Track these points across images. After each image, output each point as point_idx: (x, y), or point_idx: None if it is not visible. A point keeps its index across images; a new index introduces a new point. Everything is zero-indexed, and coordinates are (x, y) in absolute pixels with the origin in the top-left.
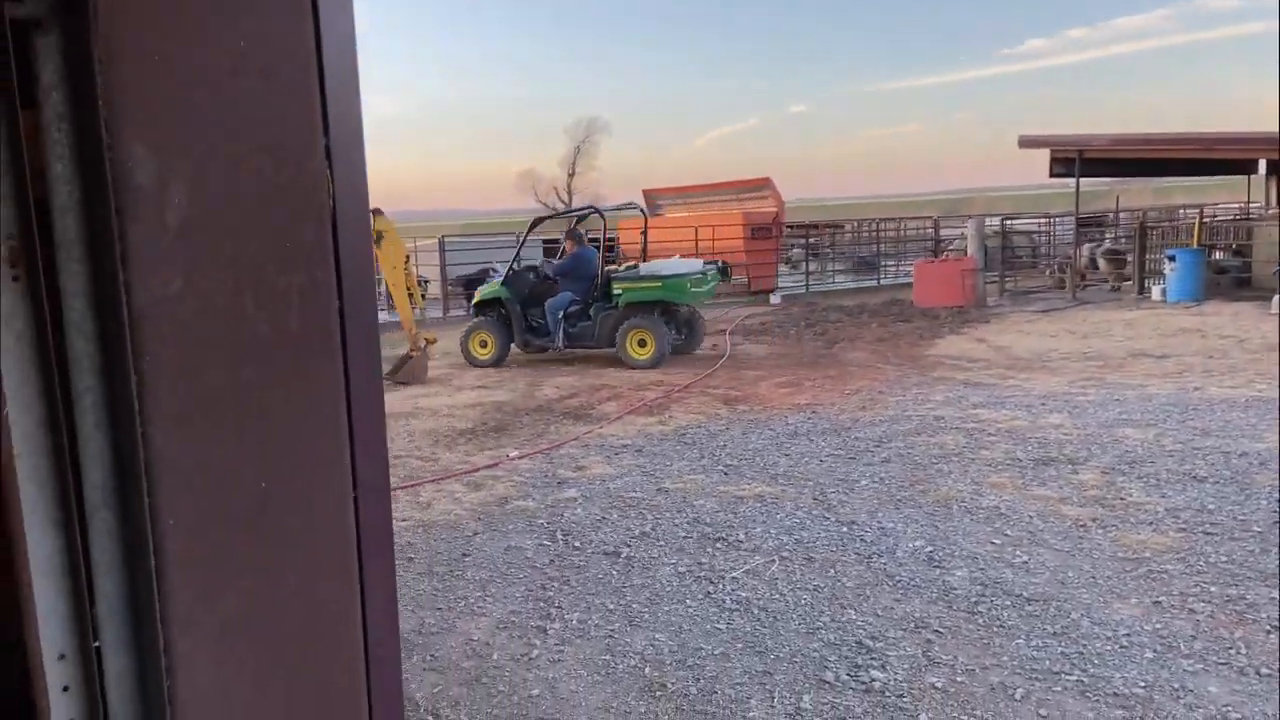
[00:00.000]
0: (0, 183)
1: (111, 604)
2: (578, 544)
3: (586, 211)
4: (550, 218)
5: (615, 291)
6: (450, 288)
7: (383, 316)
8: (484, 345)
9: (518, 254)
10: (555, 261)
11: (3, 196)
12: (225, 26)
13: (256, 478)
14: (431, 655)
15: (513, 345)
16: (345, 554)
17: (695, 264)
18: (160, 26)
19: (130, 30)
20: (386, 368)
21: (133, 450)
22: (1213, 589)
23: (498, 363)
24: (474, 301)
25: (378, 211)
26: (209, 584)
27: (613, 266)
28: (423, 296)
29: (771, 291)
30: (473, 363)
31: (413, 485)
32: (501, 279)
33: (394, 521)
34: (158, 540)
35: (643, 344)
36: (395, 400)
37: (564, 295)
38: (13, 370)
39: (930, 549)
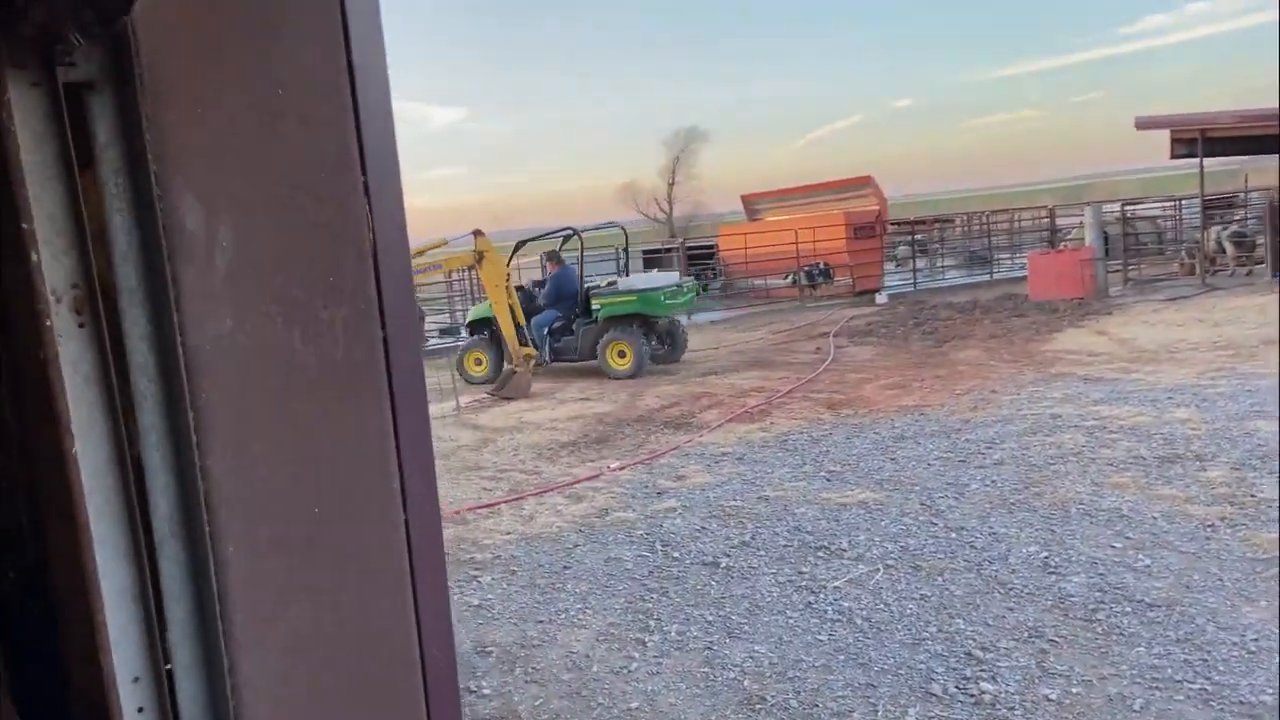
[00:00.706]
0: (64, 237)
1: (183, 628)
2: (676, 555)
3: (566, 233)
4: (535, 239)
5: (595, 307)
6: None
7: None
8: (479, 363)
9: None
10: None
11: (67, 249)
12: (262, 75)
13: (310, 503)
14: (533, 668)
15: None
16: (398, 573)
17: (672, 277)
18: (201, 79)
19: (173, 85)
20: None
21: (194, 482)
22: None
23: (490, 380)
24: (467, 321)
25: (478, 233)
26: (269, 607)
27: (608, 282)
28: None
29: (877, 291)
30: (468, 381)
31: (516, 499)
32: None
33: (498, 535)
34: (219, 566)
35: (622, 355)
36: (499, 415)
37: (549, 313)
38: (81, 410)
39: (1045, 554)
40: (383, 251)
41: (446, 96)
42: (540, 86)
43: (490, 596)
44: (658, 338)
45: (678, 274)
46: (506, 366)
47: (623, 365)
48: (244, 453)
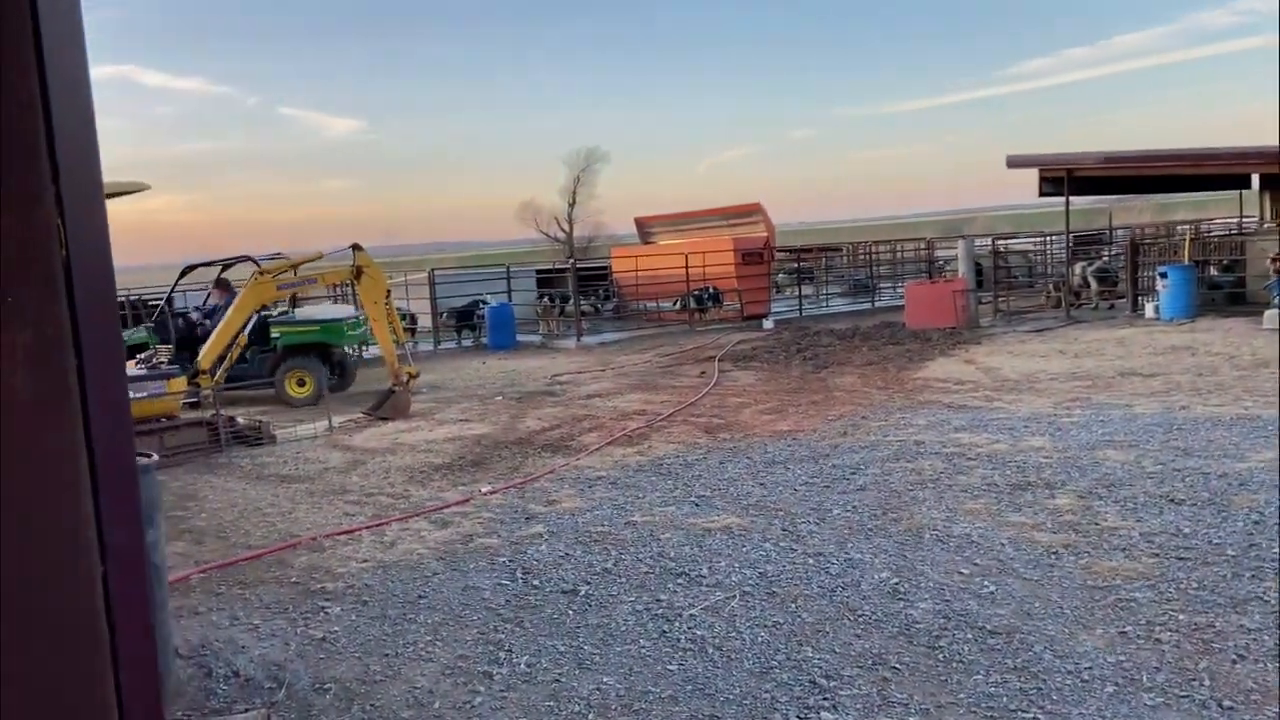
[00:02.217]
0: None
1: None
2: (536, 583)
3: (238, 260)
4: (203, 265)
5: (274, 335)
6: (444, 320)
7: (373, 350)
8: (301, 384)
9: (168, 298)
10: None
11: None
12: None
13: None
14: (371, 705)
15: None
16: (93, 633)
17: (348, 310)
18: None
19: None
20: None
21: None
22: (1181, 617)
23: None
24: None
25: (356, 247)
26: None
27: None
28: (409, 331)
29: (764, 316)
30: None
31: (378, 525)
32: (151, 325)
33: (355, 563)
34: None
35: (301, 384)
36: (374, 435)
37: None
38: None
39: (896, 580)
40: (78, 269)
41: (343, 107)
42: (441, 101)
43: (336, 629)
44: (331, 367)
45: (353, 307)
46: (385, 386)
47: (303, 393)
48: None
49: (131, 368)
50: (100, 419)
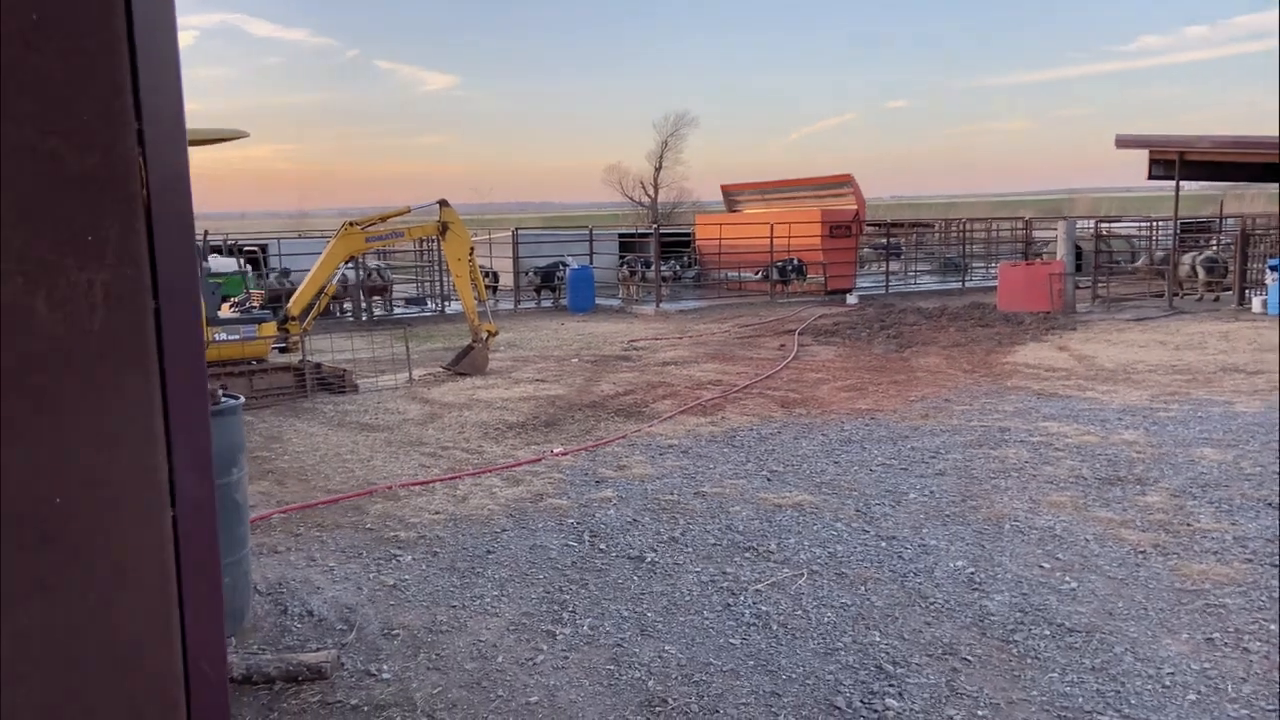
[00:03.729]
0: None
1: None
2: (603, 546)
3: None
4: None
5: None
6: (528, 277)
7: (453, 306)
8: None
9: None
10: None
11: None
12: None
13: (49, 493)
14: (437, 654)
15: None
16: (160, 575)
17: (231, 263)
18: None
19: None
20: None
21: None
22: (1272, 627)
23: None
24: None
25: (444, 203)
26: None
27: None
28: (491, 289)
29: (849, 291)
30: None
31: (451, 478)
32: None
33: (428, 514)
34: None
35: None
36: (452, 390)
37: None
38: None
39: (972, 570)
40: (158, 210)
41: (440, 62)
42: (534, 58)
43: (407, 577)
44: None
45: (235, 262)
46: (466, 342)
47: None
48: None
49: (226, 310)
50: (175, 363)
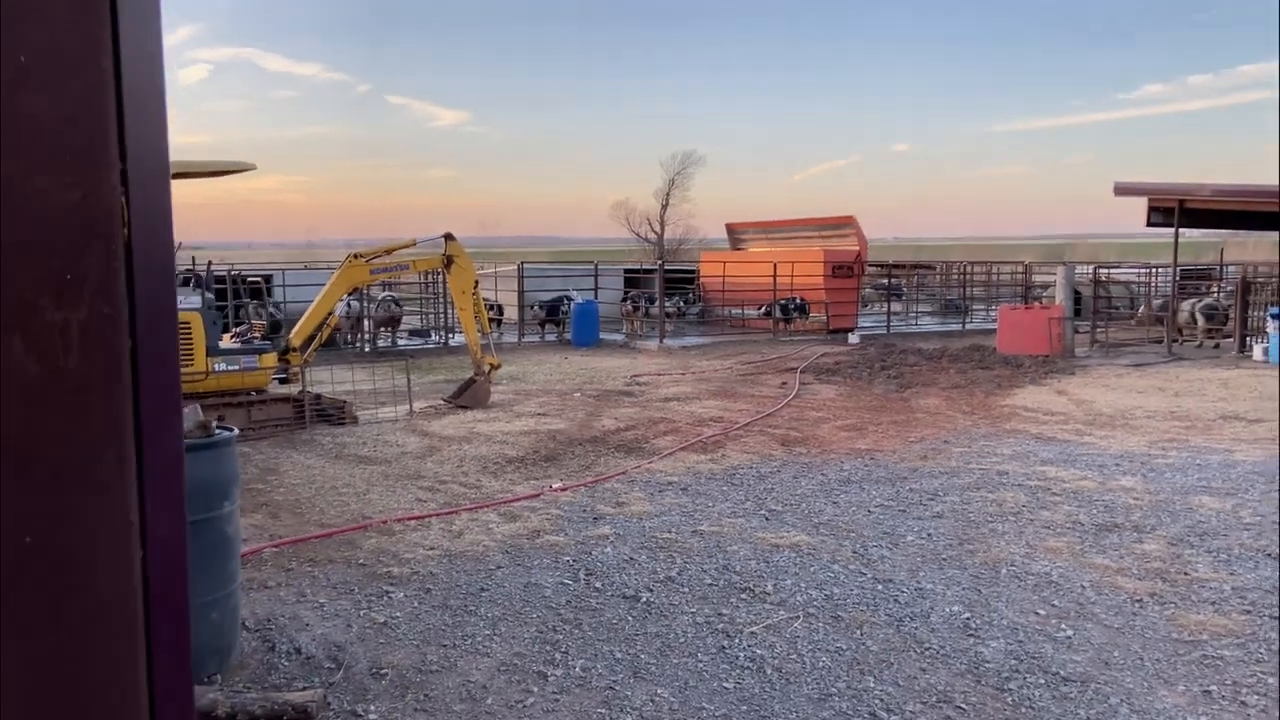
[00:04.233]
0: None
1: None
2: (599, 585)
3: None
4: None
5: None
6: (533, 310)
7: (457, 339)
8: None
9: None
10: None
11: None
12: (4, 34)
13: (18, 531)
14: (425, 695)
15: None
16: (129, 618)
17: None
18: None
19: None
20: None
21: None
22: (1271, 680)
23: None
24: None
25: (449, 236)
26: None
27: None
28: (495, 322)
29: (850, 331)
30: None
31: (448, 513)
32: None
33: (422, 550)
34: None
35: None
36: (452, 424)
37: None
38: None
39: (968, 615)
40: (139, 249)
41: (452, 98)
42: (544, 95)
43: (398, 614)
44: None
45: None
46: (468, 375)
47: None
48: None
49: (227, 341)
50: (150, 404)
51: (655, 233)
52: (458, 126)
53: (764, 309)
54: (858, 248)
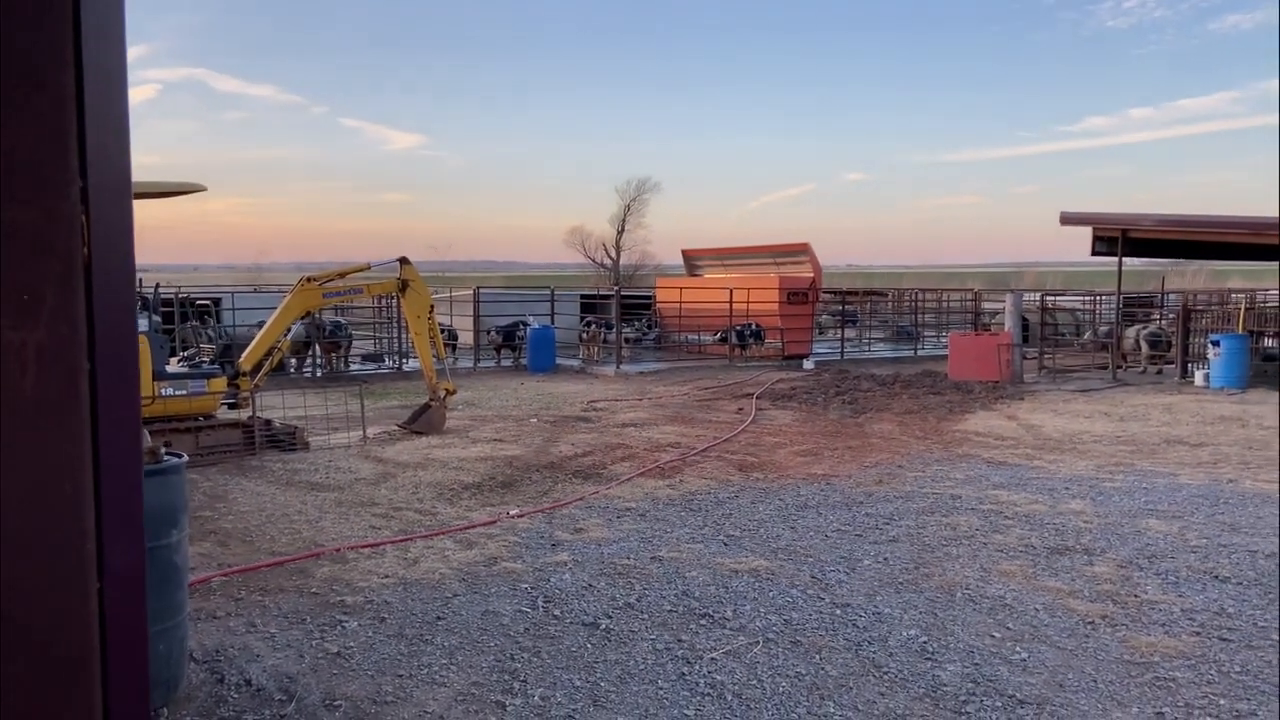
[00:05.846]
0: None
1: None
2: (557, 612)
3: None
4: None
5: None
6: (490, 336)
7: (411, 364)
8: None
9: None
10: None
11: None
12: None
13: None
14: None
15: None
16: (84, 650)
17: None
18: None
19: None
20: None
21: None
22: (1222, 702)
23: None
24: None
25: (404, 260)
26: None
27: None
28: (449, 347)
29: (805, 357)
30: None
31: (403, 540)
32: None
33: (376, 578)
34: None
35: None
36: (407, 450)
37: None
38: None
39: (925, 639)
40: (99, 269)
41: (407, 122)
42: (500, 120)
43: (352, 644)
44: None
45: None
46: (423, 400)
47: None
48: None
49: (175, 365)
50: (109, 428)
51: (611, 258)
52: (413, 150)
53: (720, 335)
54: (812, 274)
